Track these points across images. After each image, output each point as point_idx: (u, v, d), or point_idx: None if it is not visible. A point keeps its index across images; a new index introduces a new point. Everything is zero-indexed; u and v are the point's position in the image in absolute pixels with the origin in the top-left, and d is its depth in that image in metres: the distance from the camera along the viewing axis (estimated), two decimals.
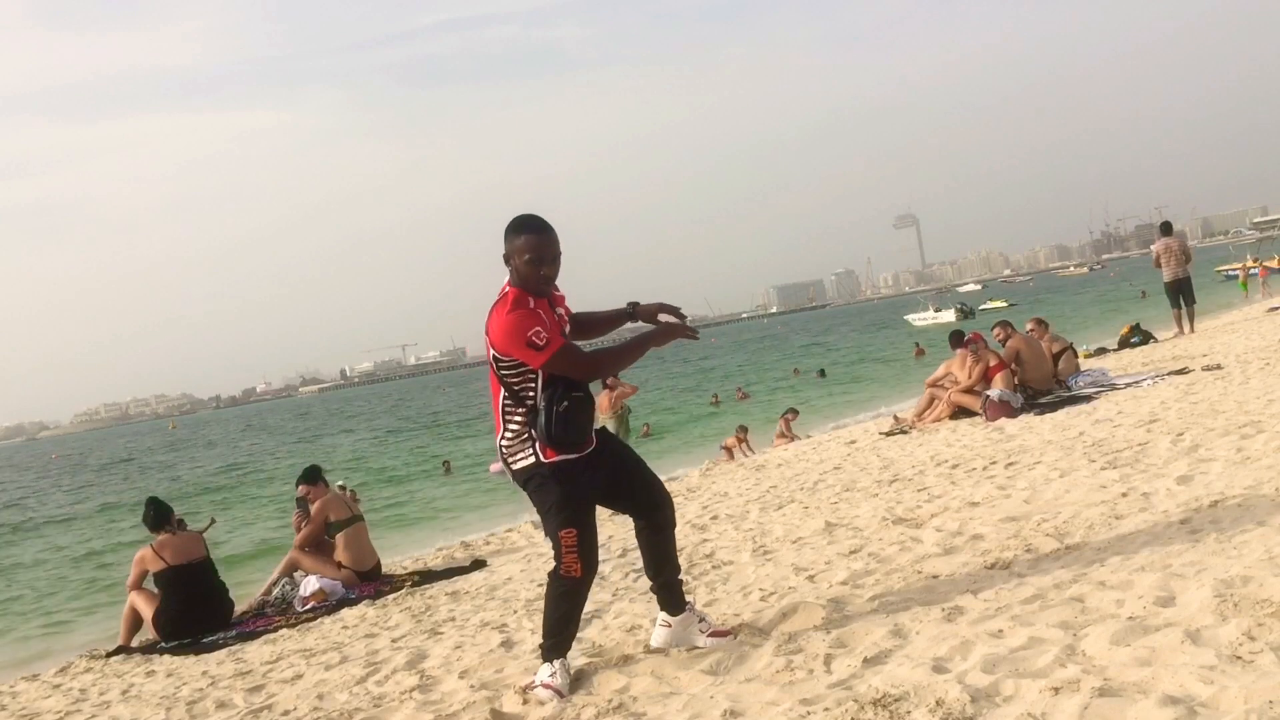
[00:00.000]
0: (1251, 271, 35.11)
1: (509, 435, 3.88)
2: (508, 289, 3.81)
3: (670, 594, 4.14)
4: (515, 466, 3.89)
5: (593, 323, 4.21)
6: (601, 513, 4.06)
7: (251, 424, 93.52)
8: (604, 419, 15.21)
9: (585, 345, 4.12)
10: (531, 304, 3.76)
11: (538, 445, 3.81)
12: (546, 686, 3.87)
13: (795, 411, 17.86)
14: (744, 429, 16.85)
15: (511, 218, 3.84)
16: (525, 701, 3.88)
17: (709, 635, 4.10)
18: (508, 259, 3.81)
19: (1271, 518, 4.29)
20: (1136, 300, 42.73)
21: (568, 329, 3.95)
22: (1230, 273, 38.73)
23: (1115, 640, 3.21)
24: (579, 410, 3.77)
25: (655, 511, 4.08)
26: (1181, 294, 16.62)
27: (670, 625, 4.13)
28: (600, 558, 4.01)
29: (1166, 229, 17.44)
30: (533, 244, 3.75)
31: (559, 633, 3.96)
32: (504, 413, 3.87)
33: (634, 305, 4.17)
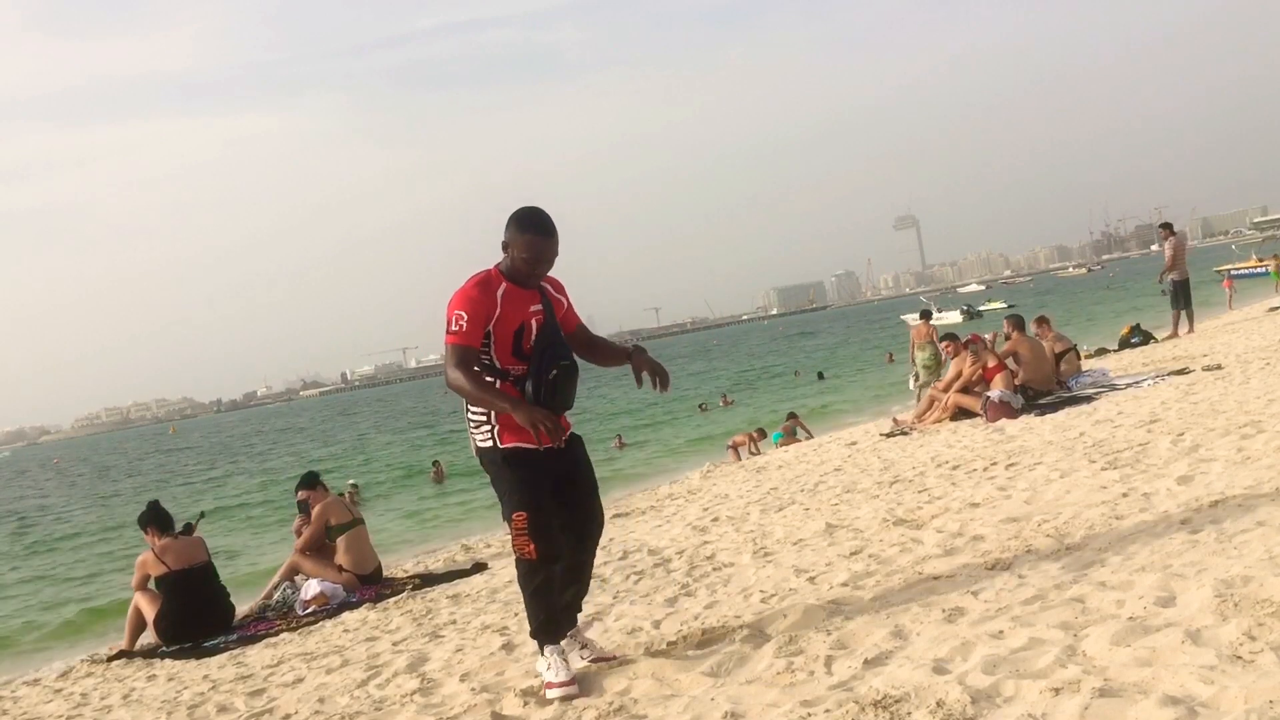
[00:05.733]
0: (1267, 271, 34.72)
1: (473, 409, 3.87)
2: (492, 270, 3.85)
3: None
4: (477, 444, 3.91)
5: (597, 348, 4.21)
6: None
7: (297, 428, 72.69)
8: (922, 344, 15.12)
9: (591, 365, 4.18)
10: (498, 291, 3.78)
11: (496, 429, 3.83)
12: (552, 686, 3.89)
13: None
14: (761, 431, 17.11)
15: (518, 208, 3.83)
16: (526, 704, 3.88)
17: (590, 660, 4.12)
18: (505, 247, 3.83)
19: (1272, 518, 4.29)
20: (1164, 300, 41.60)
21: (564, 311, 4.01)
22: (1249, 271, 38.05)
23: (1116, 640, 3.21)
24: (566, 379, 3.86)
25: (579, 537, 4.04)
26: (1186, 294, 16.79)
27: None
28: (598, 559, 4.00)
29: (1171, 228, 17.53)
30: (535, 246, 3.79)
31: (534, 616, 3.98)
32: None
33: (636, 351, 4.10)
